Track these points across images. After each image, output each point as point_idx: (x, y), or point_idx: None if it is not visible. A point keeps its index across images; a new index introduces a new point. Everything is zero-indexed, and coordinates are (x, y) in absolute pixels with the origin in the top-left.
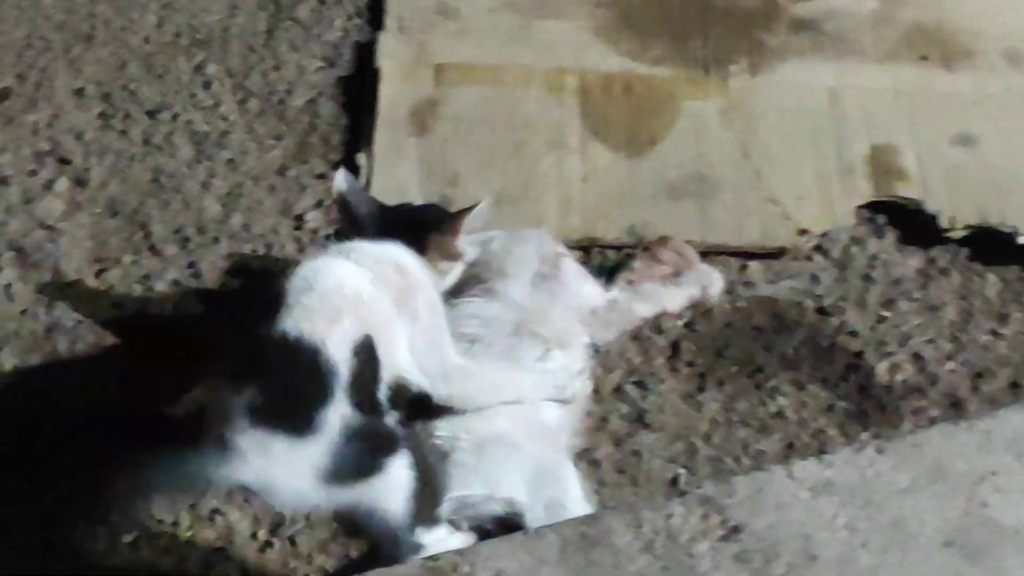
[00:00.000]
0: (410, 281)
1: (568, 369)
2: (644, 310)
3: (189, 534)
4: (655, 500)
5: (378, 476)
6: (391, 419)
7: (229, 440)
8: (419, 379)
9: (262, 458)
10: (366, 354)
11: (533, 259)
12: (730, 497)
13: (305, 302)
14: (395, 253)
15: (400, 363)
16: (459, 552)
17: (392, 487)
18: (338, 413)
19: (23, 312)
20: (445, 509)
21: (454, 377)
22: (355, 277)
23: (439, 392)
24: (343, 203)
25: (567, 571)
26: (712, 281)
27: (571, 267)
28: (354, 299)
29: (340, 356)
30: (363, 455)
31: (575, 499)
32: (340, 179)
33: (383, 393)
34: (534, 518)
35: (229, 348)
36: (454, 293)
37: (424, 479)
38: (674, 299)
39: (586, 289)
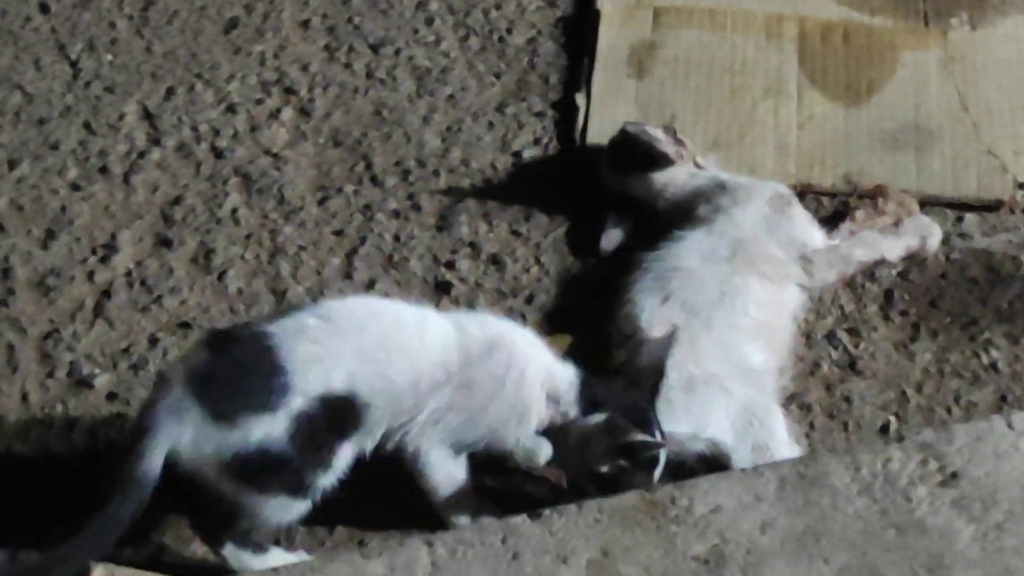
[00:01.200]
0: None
1: None
2: (863, 256)
3: None
4: (873, 444)
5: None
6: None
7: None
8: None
9: (176, 419)
10: (334, 410)
11: (760, 201)
12: (949, 444)
13: (311, 322)
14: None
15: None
16: (677, 485)
17: (267, 512)
18: (263, 428)
19: (248, 237)
20: None
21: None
22: (433, 339)
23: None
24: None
25: (784, 509)
26: (931, 232)
27: (799, 212)
28: (387, 350)
29: (306, 387)
30: (260, 473)
31: (782, 443)
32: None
33: (331, 453)
34: (740, 460)
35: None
36: (674, 225)
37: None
38: (893, 248)
39: (812, 233)
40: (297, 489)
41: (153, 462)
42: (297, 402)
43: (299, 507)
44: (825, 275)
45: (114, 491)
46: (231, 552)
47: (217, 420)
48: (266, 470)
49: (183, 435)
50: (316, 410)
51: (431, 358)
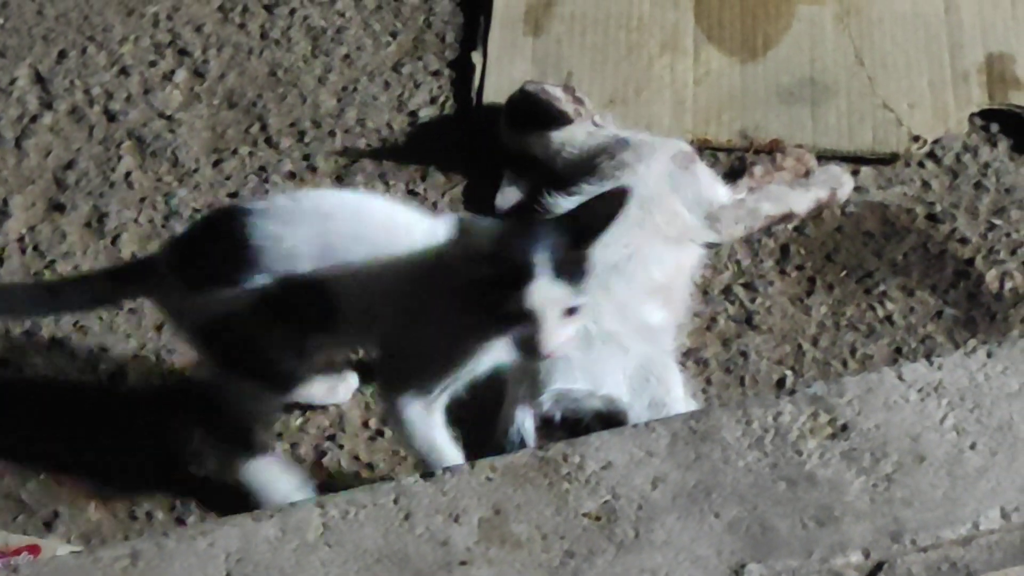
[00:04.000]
0: None
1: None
2: (770, 209)
3: (301, 421)
4: (764, 397)
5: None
6: None
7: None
8: None
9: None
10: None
11: (664, 158)
12: (839, 396)
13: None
14: None
15: None
16: (569, 443)
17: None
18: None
19: (142, 200)
20: (546, 400)
21: None
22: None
23: None
24: None
25: (675, 464)
26: (841, 183)
27: (702, 169)
28: None
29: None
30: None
31: (678, 399)
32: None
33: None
34: (636, 416)
35: None
36: (577, 181)
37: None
38: (801, 200)
39: (716, 189)
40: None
41: None
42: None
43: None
44: (732, 231)
45: None
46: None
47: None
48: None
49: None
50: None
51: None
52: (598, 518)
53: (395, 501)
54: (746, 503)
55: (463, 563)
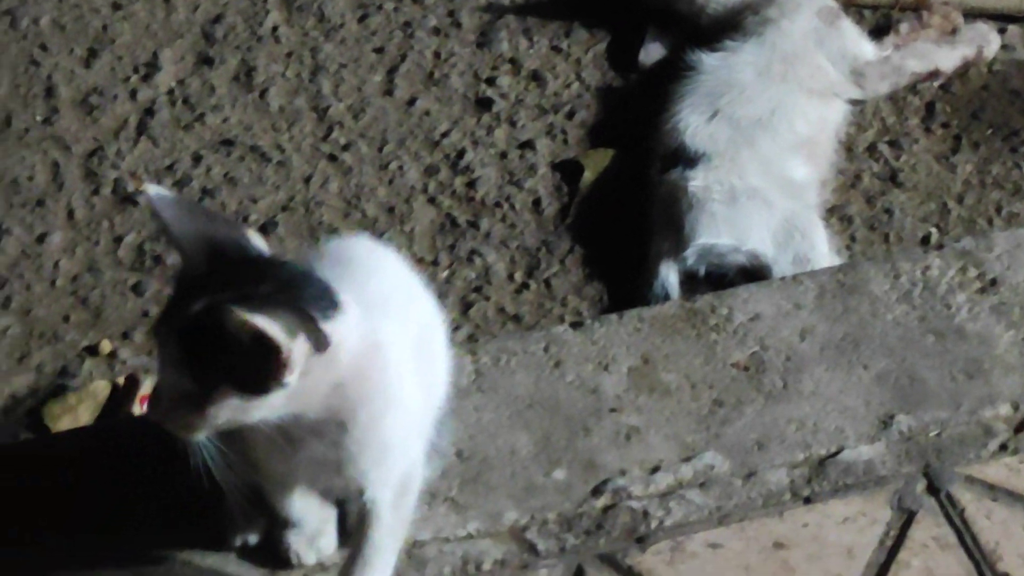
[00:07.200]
0: None
1: None
2: (916, 67)
3: (447, 273)
4: (913, 251)
5: None
6: None
7: None
8: None
9: None
10: None
11: (809, 13)
12: (988, 251)
13: None
14: None
15: None
16: (716, 295)
17: None
18: None
19: (289, 55)
20: (691, 254)
21: None
22: None
23: None
24: None
25: (823, 316)
26: (988, 40)
27: (847, 24)
28: None
29: None
30: None
31: (822, 255)
32: None
33: None
34: (780, 271)
35: None
36: (721, 37)
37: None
38: (947, 58)
39: (862, 46)
40: None
41: None
42: None
43: None
44: (878, 87)
45: None
46: None
47: None
48: None
49: None
50: None
51: None
52: (746, 368)
53: (545, 349)
54: (894, 355)
55: (613, 410)
